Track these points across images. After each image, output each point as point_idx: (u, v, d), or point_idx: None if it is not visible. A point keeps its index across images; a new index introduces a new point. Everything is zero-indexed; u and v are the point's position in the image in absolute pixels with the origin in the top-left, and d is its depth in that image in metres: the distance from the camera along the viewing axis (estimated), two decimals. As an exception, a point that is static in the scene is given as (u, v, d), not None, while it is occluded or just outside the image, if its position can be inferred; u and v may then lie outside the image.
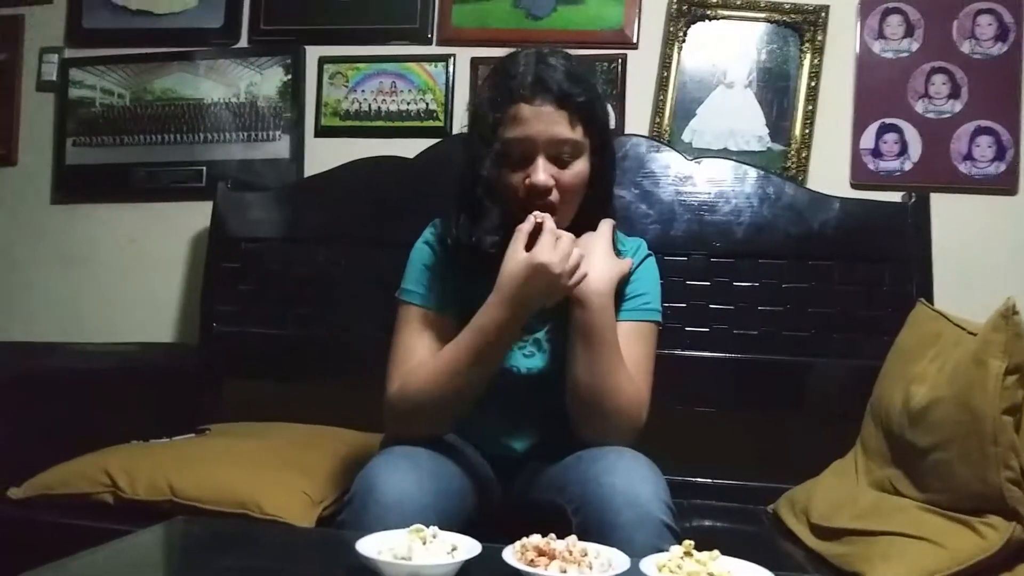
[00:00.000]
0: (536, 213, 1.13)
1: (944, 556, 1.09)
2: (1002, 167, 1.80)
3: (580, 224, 1.23)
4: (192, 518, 1.22)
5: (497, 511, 1.25)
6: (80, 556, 0.92)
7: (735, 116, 1.89)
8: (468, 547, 0.87)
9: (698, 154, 1.82)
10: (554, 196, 1.17)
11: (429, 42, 2.01)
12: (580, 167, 1.19)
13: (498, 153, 1.17)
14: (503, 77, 1.19)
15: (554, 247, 1.11)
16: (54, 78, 2.16)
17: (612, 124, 1.86)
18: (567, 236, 1.13)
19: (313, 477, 1.42)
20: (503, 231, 1.19)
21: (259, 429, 1.72)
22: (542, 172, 1.16)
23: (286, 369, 1.88)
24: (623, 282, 1.24)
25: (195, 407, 1.84)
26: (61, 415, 1.57)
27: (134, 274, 2.12)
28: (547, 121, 1.15)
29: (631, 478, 1.06)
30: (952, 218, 1.75)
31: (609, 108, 1.88)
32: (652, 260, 1.32)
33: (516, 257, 1.12)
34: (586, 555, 0.83)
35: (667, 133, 1.89)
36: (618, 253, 1.25)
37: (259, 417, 1.80)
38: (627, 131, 1.89)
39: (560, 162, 1.17)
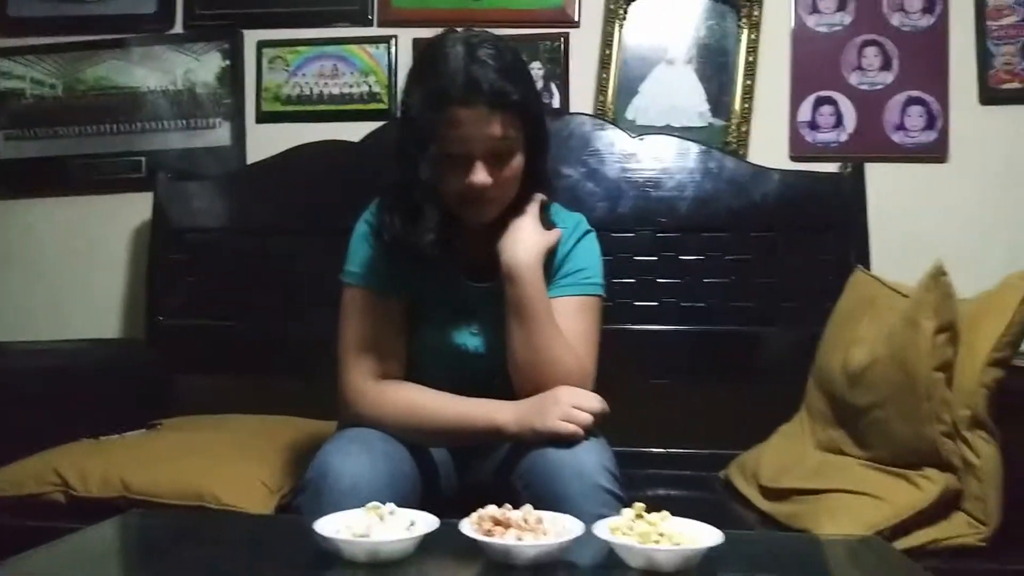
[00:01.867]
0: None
1: (885, 509, 1.14)
2: (932, 136, 1.87)
3: (514, 204, 1.24)
4: (148, 511, 1.21)
5: (453, 494, 1.27)
6: (31, 554, 0.91)
7: (677, 93, 1.92)
8: (426, 522, 0.88)
9: (642, 131, 1.84)
10: (493, 193, 1.18)
11: (370, 24, 1.99)
12: (517, 161, 1.19)
13: (435, 157, 1.16)
14: (433, 76, 1.16)
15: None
16: (-20, 70, 2.08)
17: (548, 106, 1.88)
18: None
19: (269, 466, 1.42)
20: (440, 231, 1.19)
21: (212, 422, 1.70)
22: (480, 173, 1.15)
23: (237, 361, 1.85)
24: (551, 253, 1.25)
25: (146, 403, 1.80)
26: (7, 416, 1.52)
27: (77, 270, 2.06)
28: (483, 124, 1.14)
29: (577, 450, 1.09)
30: (887, 186, 1.81)
31: (553, 89, 1.92)
32: (592, 236, 1.33)
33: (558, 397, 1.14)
34: (541, 522, 0.85)
35: (611, 111, 1.90)
36: (552, 226, 1.27)
37: (212, 411, 1.78)
38: (571, 110, 1.91)
39: (497, 160, 1.17)
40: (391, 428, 1.17)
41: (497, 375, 1.23)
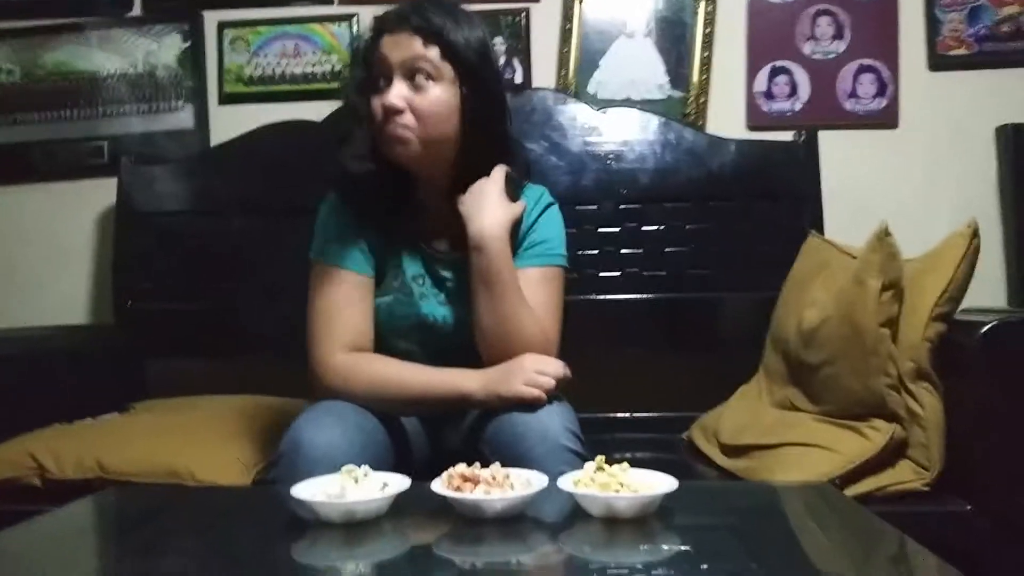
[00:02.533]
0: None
1: (836, 459, 1.20)
2: (883, 102, 1.92)
3: (473, 168, 1.26)
4: (124, 488, 1.23)
5: (425, 462, 1.30)
6: (8, 532, 0.92)
7: (636, 66, 1.95)
8: (398, 483, 0.92)
9: (603, 105, 1.87)
10: (408, 119, 1.20)
11: (331, 2, 1.99)
12: (437, 92, 1.21)
13: (358, 80, 1.23)
14: (376, 20, 1.25)
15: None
16: (-66, 56, 2.05)
17: (501, 74, 1.87)
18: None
19: (244, 443, 1.44)
20: (373, 158, 1.24)
21: (184, 403, 1.72)
22: (393, 93, 1.20)
23: (206, 343, 1.87)
24: (516, 225, 1.28)
25: (117, 388, 1.81)
26: (-23, 404, 1.53)
27: (43, 257, 2.05)
28: (402, 45, 1.20)
29: (540, 414, 1.13)
30: (840, 153, 1.87)
31: (515, 64, 1.94)
32: (555, 207, 1.36)
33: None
34: (508, 478, 0.89)
35: (573, 85, 1.93)
36: (516, 198, 1.29)
37: (184, 393, 1.79)
38: (534, 84, 1.93)
39: (414, 84, 1.21)
40: (361, 400, 1.20)
41: (463, 344, 1.26)
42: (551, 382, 1.15)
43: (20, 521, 0.97)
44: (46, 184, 2.05)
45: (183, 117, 2.02)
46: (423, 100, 1.20)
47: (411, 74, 1.20)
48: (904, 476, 1.21)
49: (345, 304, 1.26)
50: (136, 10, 2.02)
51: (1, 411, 1.54)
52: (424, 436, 1.34)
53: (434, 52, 1.20)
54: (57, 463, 1.37)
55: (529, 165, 1.38)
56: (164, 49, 2.01)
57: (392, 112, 1.19)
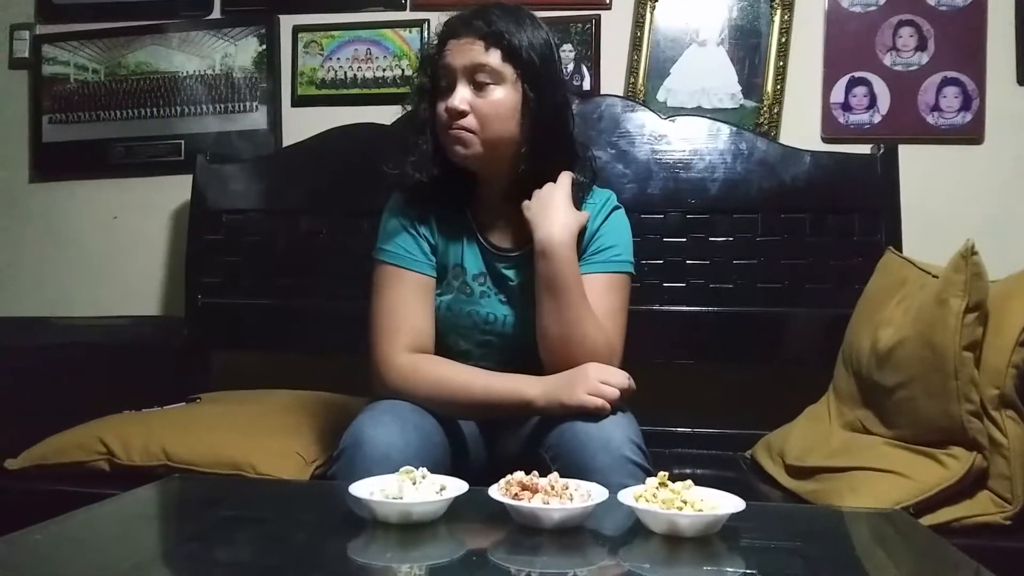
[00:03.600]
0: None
1: (910, 486, 1.14)
2: (968, 117, 1.84)
3: (535, 168, 1.25)
4: (187, 476, 1.25)
5: (482, 466, 1.29)
6: (74, 514, 0.95)
7: (708, 74, 1.92)
8: (456, 486, 0.91)
9: (672, 113, 1.85)
10: (471, 122, 1.21)
11: (403, 7, 2.01)
12: (500, 94, 1.21)
13: (421, 87, 1.24)
14: (442, 27, 1.26)
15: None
16: (26, 55, 2.14)
17: (570, 83, 1.88)
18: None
19: (305, 438, 1.46)
20: (436, 163, 1.25)
21: (249, 396, 1.75)
22: (457, 96, 1.21)
23: (272, 338, 1.90)
24: (581, 231, 1.27)
25: (184, 379, 1.87)
26: (53, 389, 1.59)
27: (118, 250, 2.12)
28: (466, 50, 1.21)
29: (604, 424, 1.11)
30: (920, 168, 1.79)
31: (584, 71, 1.93)
32: (621, 212, 1.34)
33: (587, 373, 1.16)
34: (567, 488, 0.88)
35: (642, 93, 1.91)
36: (581, 206, 1.29)
37: (247, 386, 1.83)
38: (602, 91, 1.91)
39: (478, 87, 1.21)
40: (422, 401, 1.20)
41: (522, 344, 1.26)
42: (615, 392, 1.13)
43: (87, 503, 1.00)
44: (125, 179, 2.12)
45: (257, 118, 2.06)
46: (485, 102, 1.21)
47: (474, 78, 1.21)
48: (983, 508, 1.14)
49: (407, 304, 1.26)
50: (215, 13, 2.08)
51: (74, 396, 1.60)
52: (482, 440, 1.33)
53: (495, 55, 1.21)
54: (125, 449, 1.41)
55: (595, 168, 1.36)
56: (241, 51, 2.07)
57: (455, 115, 1.21)
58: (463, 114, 1.21)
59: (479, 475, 1.14)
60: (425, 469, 0.93)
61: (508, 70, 1.21)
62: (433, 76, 1.25)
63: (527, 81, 1.22)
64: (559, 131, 1.27)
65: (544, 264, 1.20)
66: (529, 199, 1.26)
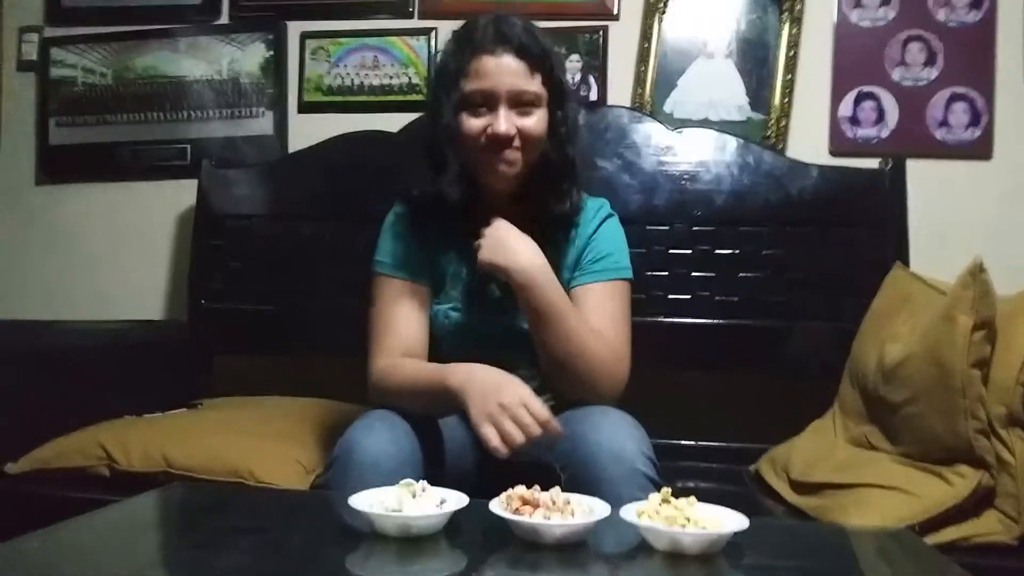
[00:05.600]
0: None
1: (916, 504, 1.13)
2: (977, 133, 1.83)
3: (542, 183, 1.25)
4: (187, 483, 1.24)
5: (478, 472, 1.28)
6: (74, 521, 0.94)
7: (716, 86, 1.91)
8: (456, 500, 0.90)
9: (679, 124, 1.84)
10: (516, 144, 1.21)
11: (411, 16, 2.01)
12: (540, 117, 1.22)
13: (458, 102, 1.21)
14: (464, 34, 1.23)
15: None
16: (35, 57, 2.15)
17: (582, 98, 1.89)
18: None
19: (306, 446, 1.45)
20: (465, 181, 1.23)
21: (251, 402, 1.75)
22: (504, 122, 1.19)
23: (275, 343, 1.90)
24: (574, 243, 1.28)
25: (186, 383, 1.86)
26: (54, 392, 1.58)
27: (122, 253, 2.13)
28: (509, 72, 1.19)
29: (616, 435, 1.10)
30: (928, 184, 1.78)
31: (591, 82, 1.93)
32: (615, 219, 1.34)
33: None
34: (569, 503, 0.87)
35: (649, 104, 1.90)
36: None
37: (250, 392, 1.83)
38: (609, 102, 1.91)
39: (521, 112, 1.21)
40: (394, 401, 1.19)
41: (520, 354, 1.25)
42: (520, 439, 1.03)
43: (87, 509, 0.99)
44: (131, 183, 2.12)
45: (263, 123, 2.06)
46: (529, 125, 1.21)
47: (517, 102, 1.20)
48: (990, 527, 1.13)
49: (402, 315, 1.27)
50: (223, 18, 2.08)
51: (75, 400, 1.59)
52: (481, 448, 1.31)
53: (537, 80, 1.21)
54: (125, 455, 1.41)
55: (579, 183, 1.32)
56: (248, 57, 2.07)
57: (505, 141, 1.19)
58: (511, 138, 1.20)
59: (476, 482, 1.14)
60: (425, 482, 0.92)
61: (544, 93, 1.22)
62: (458, 87, 1.21)
63: (557, 103, 1.23)
64: (573, 147, 1.27)
65: (529, 296, 1.19)
66: (527, 210, 1.25)
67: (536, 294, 1.19)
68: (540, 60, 1.20)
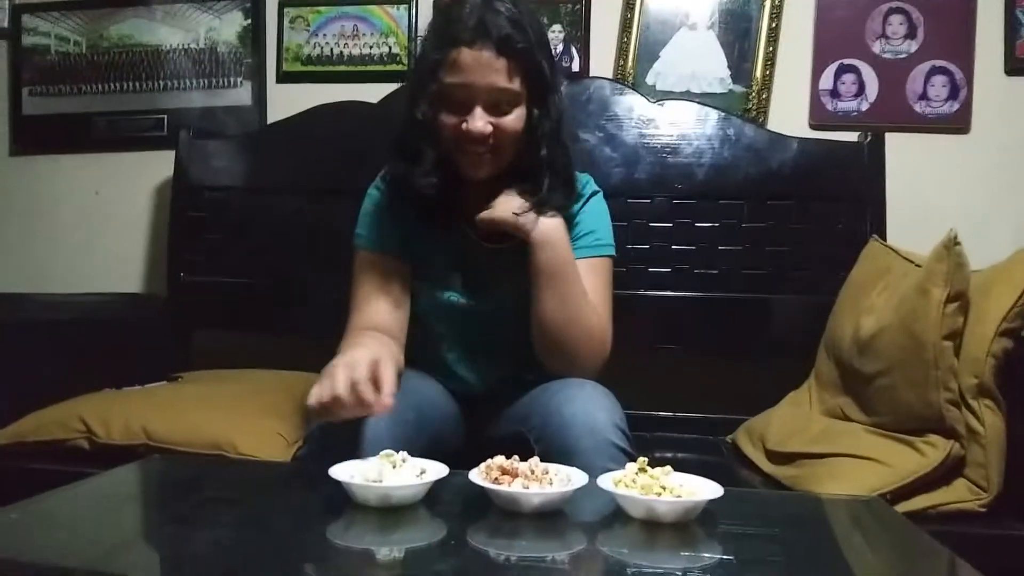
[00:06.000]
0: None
1: (888, 473, 1.15)
2: (955, 106, 1.84)
3: (515, 170, 1.23)
4: (168, 456, 1.25)
5: (461, 448, 1.29)
6: (54, 493, 0.94)
7: (697, 58, 1.91)
8: (436, 470, 0.91)
9: (661, 97, 1.84)
10: (489, 142, 1.18)
11: (391, -16, 1.99)
12: (517, 115, 1.19)
13: (435, 95, 1.18)
14: (446, 20, 1.18)
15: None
16: (6, 25, 2.10)
17: (567, 69, 1.87)
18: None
19: (286, 419, 1.45)
20: (438, 173, 1.21)
21: (231, 376, 1.74)
22: (479, 120, 1.16)
23: (254, 317, 1.89)
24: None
25: (165, 357, 1.85)
26: (33, 365, 1.57)
27: (99, 226, 2.10)
28: (486, 69, 1.15)
29: (589, 407, 1.11)
30: (907, 157, 1.80)
31: (573, 53, 1.91)
32: (600, 196, 1.34)
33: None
34: (547, 473, 0.88)
35: (631, 76, 1.90)
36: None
37: (229, 365, 1.82)
38: (591, 74, 1.90)
39: (497, 110, 1.17)
40: None
41: (498, 329, 1.26)
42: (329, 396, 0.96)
43: (67, 482, 0.99)
44: (107, 154, 2.10)
45: (241, 94, 2.04)
46: (504, 124, 1.18)
47: (494, 100, 1.17)
48: (960, 496, 1.16)
49: (373, 290, 1.26)
50: (200, -14, 2.05)
51: (54, 374, 1.58)
52: (462, 420, 1.33)
53: (517, 81, 1.17)
54: (105, 428, 1.40)
55: (562, 175, 1.28)
56: (225, 25, 2.03)
57: (480, 139, 1.17)
58: (486, 137, 1.18)
59: (456, 454, 1.15)
60: (405, 453, 0.93)
61: (524, 91, 1.18)
62: (436, 77, 1.17)
63: (534, 97, 1.20)
64: (554, 138, 1.24)
65: (543, 254, 1.20)
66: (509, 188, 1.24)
67: (553, 253, 1.20)
68: (522, 55, 1.16)
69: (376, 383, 0.98)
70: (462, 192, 1.26)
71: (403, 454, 0.92)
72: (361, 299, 1.26)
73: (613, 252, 1.31)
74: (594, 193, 1.33)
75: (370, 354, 1.02)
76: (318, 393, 0.97)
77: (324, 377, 0.99)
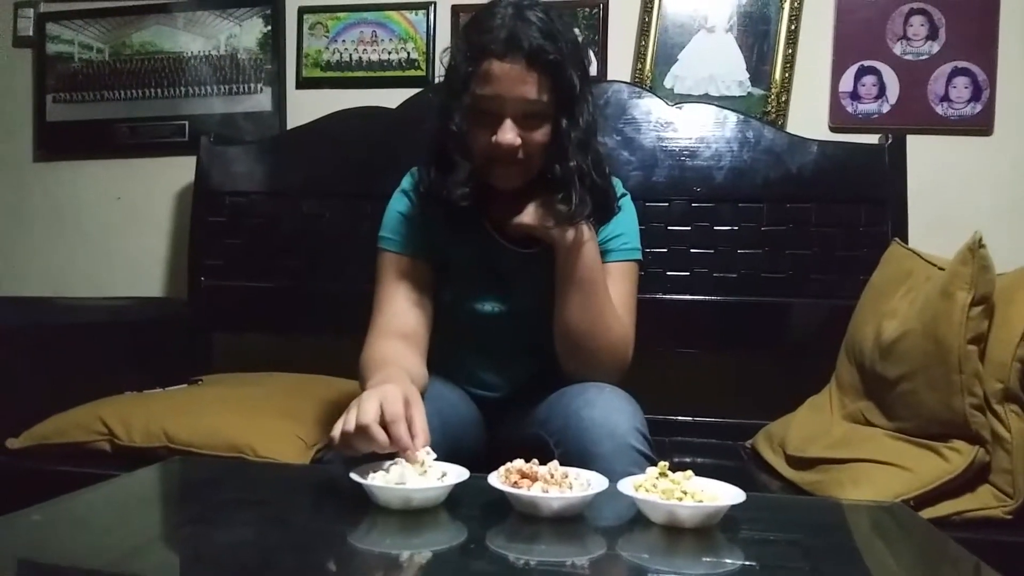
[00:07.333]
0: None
1: (911, 479, 1.14)
2: (978, 108, 1.82)
3: (545, 178, 1.22)
4: (188, 458, 1.25)
5: (482, 452, 1.29)
6: (76, 495, 0.95)
7: (716, 61, 1.90)
8: (457, 473, 0.91)
9: (679, 100, 1.83)
10: (519, 155, 1.18)
11: (409, -10, 2.00)
12: (546, 128, 1.18)
13: (467, 107, 1.17)
14: (478, 30, 1.18)
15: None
16: (30, 33, 2.13)
17: (591, 74, 1.85)
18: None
19: (306, 422, 1.46)
20: (471, 184, 1.20)
21: (251, 379, 1.75)
22: (509, 132, 1.16)
23: (274, 321, 1.91)
24: None
25: (186, 360, 1.87)
26: (55, 368, 1.59)
27: (121, 230, 2.13)
28: (517, 81, 1.14)
29: (609, 411, 1.10)
30: (929, 159, 1.78)
31: (592, 57, 1.90)
32: (628, 200, 1.34)
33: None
34: (567, 477, 0.87)
35: (649, 79, 1.89)
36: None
37: (249, 369, 1.83)
38: (609, 77, 1.90)
39: (527, 123, 1.17)
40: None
41: (520, 333, 1.26)
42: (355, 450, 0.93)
43: (88, 484, 0.99)
44: (129, 160, 2.12)
45: (262, 100, 2.05)
46: (534, 137, 1.17)
47: (523, 113, 1.16)
48: (985, 502, 1.14)
49: (398, 292, 1.26)
50: (221, -7, 2.07)
51: (76, 376, 1.60)
52: (483, 423, 1.32)
53: (547, 94, 1.16)
54: (126, 430, 1.41)
55: (596, 185, 1.26)
56: (246, 32, 2.05)
57: (509, 152, 1.16)
58: (515, 149, 1.17)
59: (477, 460, 1.14)
60: (429, 449, 0.93)
61: (553, 102, 1.17)
62: (468, 90, 1.16)
63: (564, 110, 1.18)
64: (583, 155, 1.22)
65: (572, 258, 1.20)
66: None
67: (583, 260, 1.19)
68: (553, 67, 1.14)
69: (408, 424, 0.94)
70: (490, 197, 1.25)
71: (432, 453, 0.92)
72: (385, 300, 1.26)
73: (640, 256, 1.31)
74: (622, 196, 1.33)
75: (403, 392, 0.96)
76: (344, 425, 0.92)
77: (352, 408, 0.94)
